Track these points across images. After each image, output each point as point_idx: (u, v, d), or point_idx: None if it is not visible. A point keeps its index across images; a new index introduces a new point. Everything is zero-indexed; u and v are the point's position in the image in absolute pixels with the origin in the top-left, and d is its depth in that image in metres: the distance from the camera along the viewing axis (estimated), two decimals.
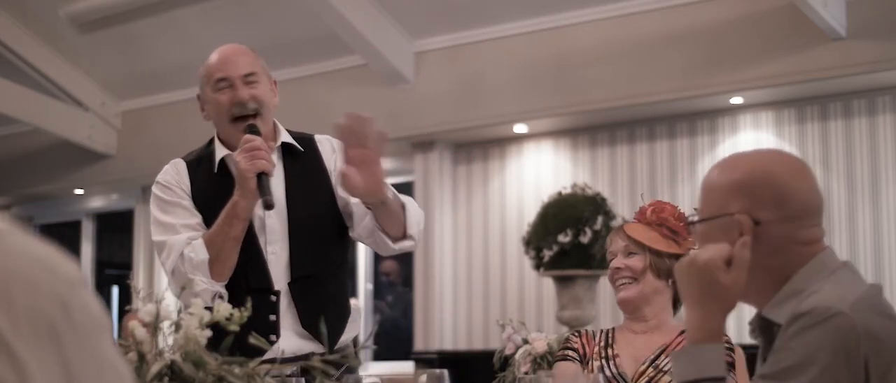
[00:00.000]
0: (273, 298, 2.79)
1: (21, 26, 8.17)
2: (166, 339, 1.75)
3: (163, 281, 8.69)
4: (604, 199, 6.55)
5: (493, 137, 7.64)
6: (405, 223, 2.78)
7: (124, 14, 7.68)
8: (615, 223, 6.40)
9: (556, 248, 6.41)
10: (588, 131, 7.37)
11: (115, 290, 10.21)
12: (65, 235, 10.00)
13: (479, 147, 7.75)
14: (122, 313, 8.45)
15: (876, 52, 6.07)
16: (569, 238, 6.35)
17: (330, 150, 2.95)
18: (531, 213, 6.84)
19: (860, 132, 6.53)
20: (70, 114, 8.69)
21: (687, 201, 6.81)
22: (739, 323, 6.66)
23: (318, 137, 2.99)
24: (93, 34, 7.93)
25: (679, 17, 6.64)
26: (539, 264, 6.55)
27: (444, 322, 7.65)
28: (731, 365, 2.68)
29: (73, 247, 9.73)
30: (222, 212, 2.73)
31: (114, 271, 10.37)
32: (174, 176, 2.88)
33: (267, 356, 2.53)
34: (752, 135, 6.85)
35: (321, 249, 2.89)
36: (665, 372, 2.68)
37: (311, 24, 7.29)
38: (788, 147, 6.73)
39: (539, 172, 7.53)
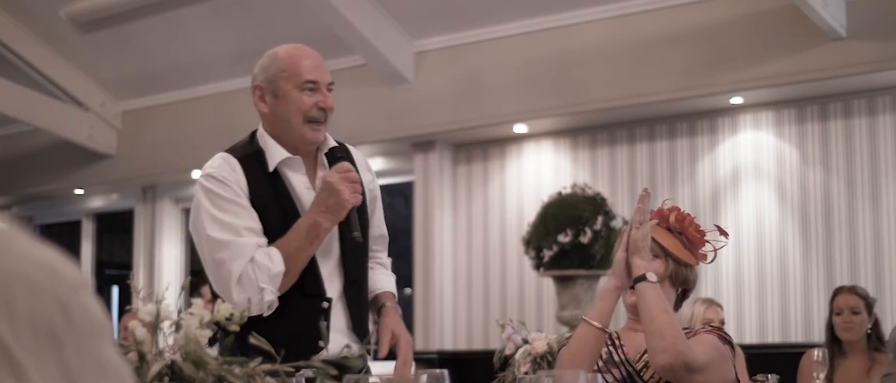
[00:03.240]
0: (325, 305, 2.82)
1: (21, 26, 8.17)
2: (166, 339, 1.75)
3: (163, 281, 8.69)
4: (604, 199, 6.55)
5: (493, 137, 7.64)
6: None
7: (124, 14, 7.68)
8: (615, 223, 6.41)
9: (556, 248, 6.41)
10: (588, 131, 7.37)
11: (115, 290, 10.21)
12: (65, 235, 10.00)
13: (479, 147, 7.75)
14: (122, 313, 8.45)
15: (876, 52, 6.07)
16: (569, 238, 6.35)
17: (365, 168, 3.00)
18: (531, 213, 6.84)
19: (860, 132, 6.53)
20: (70, 114, 8.70)
21: (687, 201, 6.81)
22: (739, 323, 6.66)
23: (353, 150, 3.02)
24: (93, 34, 7.93)
25: (679, 17, 6.63)
26: (539, 264, 6.55)
27: (444, 322, 7.65)
28: (731, 347, 2.70)
29: (73, 247, 9.73)
30: (301, 229, 2.72)
31: (114, 271, 10.36)
32: (230, 172, 2.80)
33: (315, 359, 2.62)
34: (752, 135, 6.85)
35: (362, 254, 2.94)
36: None
37: (311, 24, 7.29)
38: (788, 147, 6.73)
39: (539, 172, 7.53)
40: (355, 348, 2.81)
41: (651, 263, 2.66)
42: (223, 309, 1.82)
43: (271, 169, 2.81)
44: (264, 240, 2.74)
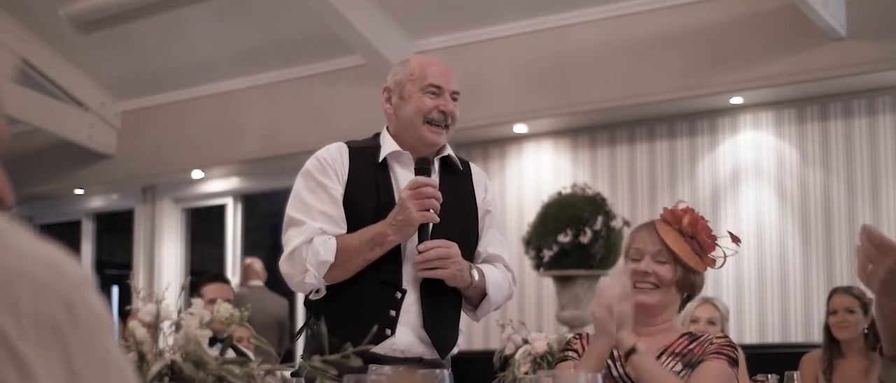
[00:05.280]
0: (398, 295, 2.88)
1: (21, 26, 8.17)
2: (166, 339, 1.75)
3: (163, 281, 8.69)
4: (604, 199, 6.55)
5: (493, 137, 7.64)
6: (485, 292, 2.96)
7: (124, 14, 7.68)
8: (615, 223, 6.41)
9: (556, 248, 6.40)
10: (588, 131, 7.37)
11: (115, 290, 10.21)
12: (65, 235, 10.00)
13: (479, 147, 7.75)
14: (122, 313, 8.45)
15: (876, 52, 6.07)
16: (569, 238, 6.34)
17: (482, 187, 3.12)
18: (531, 213, 6.84)
19: (860, 132, 6.53)
20: (70, 114, 8.69)
21: (687, 201, 6.79)
22: (739, 324, 6.66)
23: (473, 167, 3.17)
24: (93, 34, 7.93)
25: (679, 17, 6.63)
26: (539, 264, 6.55)
27: None
28: (736, 362, 2.66)
29: (73, 247, 9.73)
30: (368, 234, 2.82)
31: (114, 271, 10.36)
32: (337, 155, 2.97)
33: (379, 350, 2.69)
34: (752, 135, 6.85)
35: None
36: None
37: (311, 24, 7.29)
38: (788, 147, 6.73)
39: (539, 172, 7.53)
40: (424, 348, 2.87)
41: (639, 338, 2.59)
42: (223, 309, 1.82)
43: (380, 159, 2.96)
44: (333, 229, 2.86)
